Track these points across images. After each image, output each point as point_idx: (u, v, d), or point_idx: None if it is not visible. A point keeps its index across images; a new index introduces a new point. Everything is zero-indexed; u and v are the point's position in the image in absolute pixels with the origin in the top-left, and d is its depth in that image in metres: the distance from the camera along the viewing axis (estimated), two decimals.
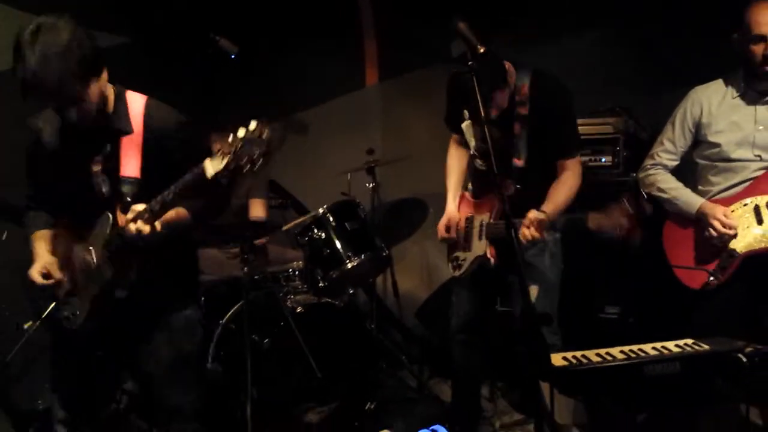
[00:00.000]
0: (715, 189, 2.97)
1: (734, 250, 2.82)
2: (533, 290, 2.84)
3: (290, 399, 3.54)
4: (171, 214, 2.27)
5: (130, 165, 2.31)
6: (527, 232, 2.68)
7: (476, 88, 2.22)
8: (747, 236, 2.82)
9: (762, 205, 2.83)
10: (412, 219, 4.61)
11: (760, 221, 2.82)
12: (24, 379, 3.64)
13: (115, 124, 2.33)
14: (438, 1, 4.35)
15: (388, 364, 4.31)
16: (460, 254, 3.12)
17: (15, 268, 2.80)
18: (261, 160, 1.95)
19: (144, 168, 2.32)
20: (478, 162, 3.10)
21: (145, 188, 2.28)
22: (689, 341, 2.24)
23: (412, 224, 4.66)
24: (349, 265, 3.47)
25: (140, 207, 2.20)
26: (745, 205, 2.87)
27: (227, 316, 3.56)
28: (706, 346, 2.19)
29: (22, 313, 3.02)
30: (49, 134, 2.39)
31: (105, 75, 2.26)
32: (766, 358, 2.09)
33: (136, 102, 2.36)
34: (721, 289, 2.84)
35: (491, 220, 2.96)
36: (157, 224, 2.20)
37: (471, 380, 3.31)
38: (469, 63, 2.23)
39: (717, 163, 2.97)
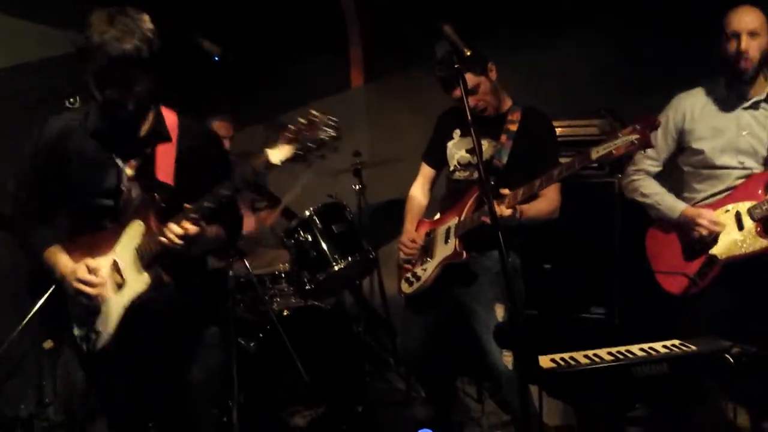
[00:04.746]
0: (700, 196, 2.99)
1: (715, 255, 2.83)
2: (499, 309, 2.87)
3: (277, 403, 3.52)
4: (213, 228, 2.31)
5: (163, 172, 2.32)
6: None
7: (463, 88, 2.24)
8: (727, 242, 2.84)
9: (743, 211, 2.84)
10: (398, 221, 4.58)
11: (740, 227, 2.84)
12: (7, 385, 3.60)
13: (156, 127, 2.33)
14: (423, 3, 4.36)
15: (375, 366, 4.30)
16: (418, 269, 3.12)
17: None
18: (323, 146, 2.05)
19: (177, 176, 2.32)
20: (458, 174, 3.13)
21: (177, 196, 2.27)
22: (676, 342, 2.24)
23: (398, 226, 4.64)
24: (336, 268, 3.45)
25: (189, 205, 2.18)
26: (726, 211, 2.88)
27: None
28: (693, 347, 2.19)
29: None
30: (79, 136, 2.31)
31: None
32: (752, 358, 2.10)
33: (170, 116, 2.38)
34: (703, 294, 2.85)
35: (462, 219, 2.98)
36: (203, 226, 2.18)
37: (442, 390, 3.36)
38: (456, 66, 2.25)
39: (701, 171, 2.98)
